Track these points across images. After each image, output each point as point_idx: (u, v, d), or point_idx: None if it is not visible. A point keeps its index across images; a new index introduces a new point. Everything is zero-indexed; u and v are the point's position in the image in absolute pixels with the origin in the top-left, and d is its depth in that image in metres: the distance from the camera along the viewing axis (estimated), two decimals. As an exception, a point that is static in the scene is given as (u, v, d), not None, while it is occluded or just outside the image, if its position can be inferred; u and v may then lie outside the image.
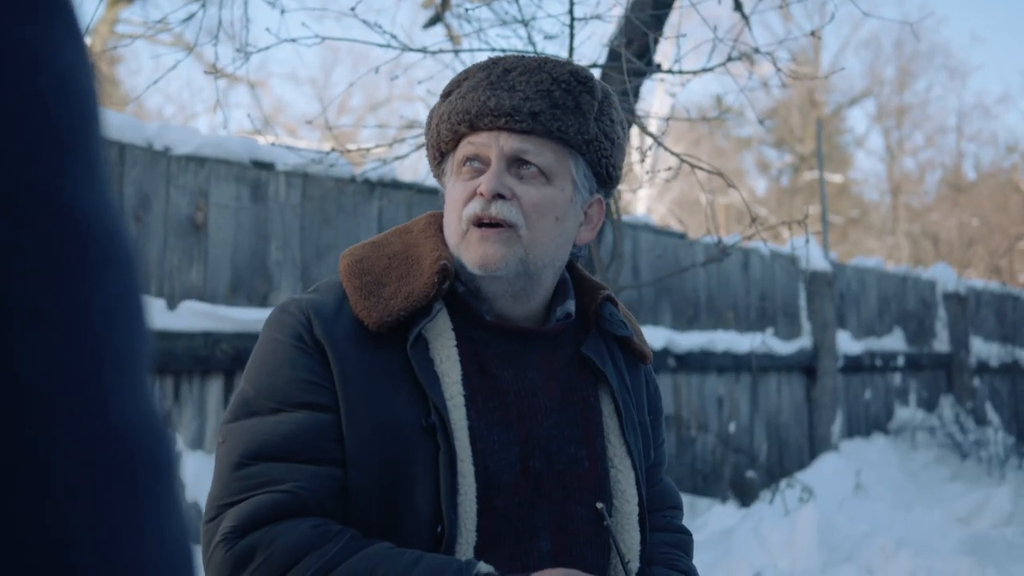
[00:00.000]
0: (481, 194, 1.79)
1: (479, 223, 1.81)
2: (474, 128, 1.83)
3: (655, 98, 13.95)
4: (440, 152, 1.93)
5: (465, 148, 1.85)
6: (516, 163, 1.82)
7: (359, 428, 1.72)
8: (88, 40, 0.56)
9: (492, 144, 1.81)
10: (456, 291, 1.87)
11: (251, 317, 4.90)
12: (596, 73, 4.80)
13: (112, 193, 0.52)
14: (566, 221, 1.87)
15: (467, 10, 4.91)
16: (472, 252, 1.81)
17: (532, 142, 1.80)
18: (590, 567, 1.83)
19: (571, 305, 1.99)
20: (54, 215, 0.48)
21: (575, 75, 1.84)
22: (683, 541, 2.11)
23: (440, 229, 1.94)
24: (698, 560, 2.25)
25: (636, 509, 1.90)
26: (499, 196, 1.79)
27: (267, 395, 1.76)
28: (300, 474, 1.69)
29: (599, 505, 1.85)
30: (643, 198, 20.67)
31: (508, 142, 1.80)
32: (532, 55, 1.90)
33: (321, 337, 1.77)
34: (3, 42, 0.47)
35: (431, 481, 1.71)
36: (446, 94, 1.93)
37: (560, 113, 1.80)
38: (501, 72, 1.84)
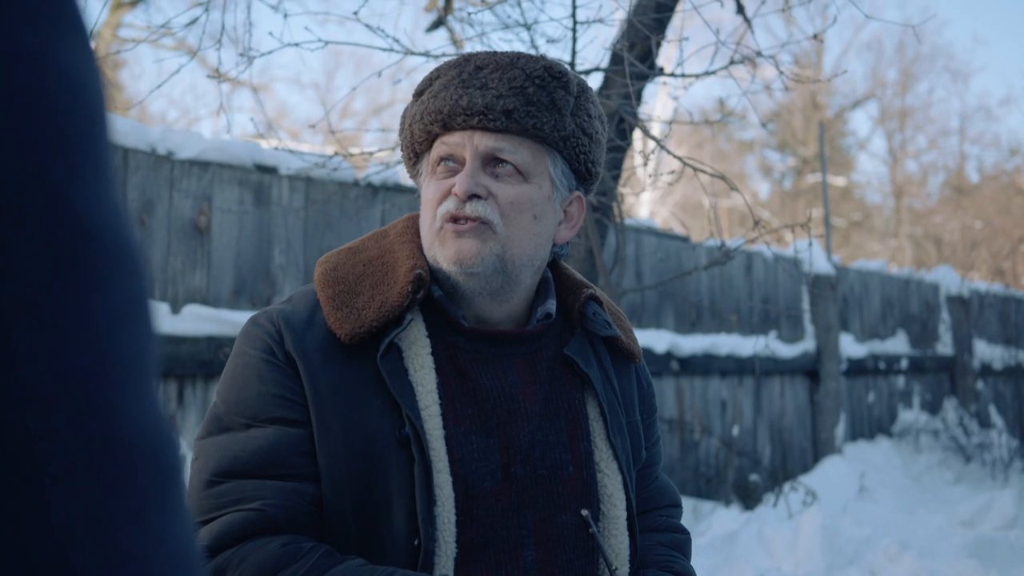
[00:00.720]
0: (456, 194, 1.75)
1: (454, 220, 1.76)
2: (447, 128, 1.78)
3: (658, 101, 13.96)
4: (415, 152, 1.89)
5: (439, 148, 1.81)
6: (491, 161, 1.77)
7: (332, 442, 1.69)
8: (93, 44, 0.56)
9: (466, 143, 1.77)
10: (432, 296, 1.83)
11: (254, 321, 4.90)
12: (599, 77, 4.81)
13: (119, 198, 0.52)
14: (544, 219, 1.83)
15: (470, 14, 4.91)
16: (447, 248, 1.77)
17: (507, 140, 1.76)
18: (576, 575, 1.80)
19: (551, 305, 1.94)
20: (61, 220, 0.48)
21: (549, 70, 1.79)
22: (679, 541, 2.06)
23: (417, 233, 1.90)
24: (701, 564, 2.24)
25: (624, 514, 1.86)
26: (474, 196, 1.75)
27: (238, 410, 1.74)
28: (271, 491, 1.67)
29: (584, 512, 1.81)
30: (646, 201, 20.66)
31: (482, 141, 1.76)
32: (505, 51, 1.84)
33: (292, 350, 1.74)
34: (10, 47, 0.47)
35: (407, 493, 1.67)
36: (418, 93, 1.88)
37: (535, 110, 1.75)
38: (473, 70, 1.79)
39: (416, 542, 1.66)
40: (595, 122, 1.87)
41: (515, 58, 1.80)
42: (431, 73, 1.87)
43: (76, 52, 0.51)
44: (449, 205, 1.77)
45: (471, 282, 1.80)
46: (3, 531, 0.44)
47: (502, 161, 1.77)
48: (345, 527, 1.69)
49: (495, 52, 1.84)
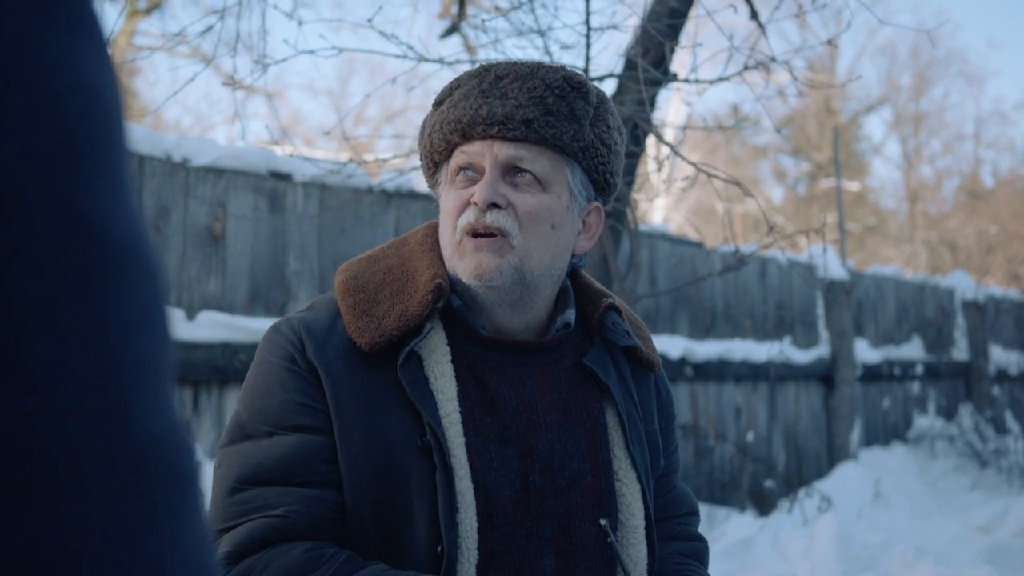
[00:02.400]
0: (475, 203, 1.75)
1: (473, 233, 1.77)
2: (467, 137, 1.79)
3: (671, 107, 13.94)
4: (434, 162, 1.89)
5: (459, 157, 1.81)
6: (511, 171, 1.77)
7: (354, 449, 1.70)
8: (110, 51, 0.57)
9: (486, 153, 1.77)
10: (452, 305, 1.83)
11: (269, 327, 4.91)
12: (613, 83, 4.81)
13: (136, 203, 0.52)
14: (563, 229, 1.83)
15: (484, 21, 4.92)
16: (467, 263, 1.77)
17: (527, 149, 1.76)
18: None
19: (570, 315, 1.94)
20: (75, 225, 0.48)
21: (568, 81, 1.79)
22: (697, 549, 2.07)
23: (437, 241, 1.90)
24: (716, 570, 2.23)
25: (643, 523, 1.86)
26: (493, 205, 1.75)
27: (260, 418, 1.74)
28: (294, 498, 1.68)
29: (603, 522, 1.81)
30: (660, 207, 20.63)
31: (502, 150, 1.76)
32: (525, 61, 1.85)
33: (313, 358, 1.74)
34: (28, 55, 0.47)
35: (429, 500, 1.68)
36: (438, 103, 1.89)
37: (554, 120, 1.76)
38: (493, 79, 1.80)
39: (439, 549, 1.66)
40: (614, 133, 1.87)
41: (535, 68, 1.80)
42: (451, 83, 1.88)
43: (93, 60, 0.51)
44: (469, 216, 1.77)
45: (491, 295, 1.80)
46: (16, 538, 0.44)
47: (521, 170, 1.77)
48: (366, 534, 1.70)
49: (515, 62, 1.84)
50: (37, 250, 0.46)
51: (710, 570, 2.09)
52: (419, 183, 5.87)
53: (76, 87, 0.50)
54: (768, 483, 8.15)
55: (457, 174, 1.82)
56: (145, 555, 0.48)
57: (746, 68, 4.55)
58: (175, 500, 0.51)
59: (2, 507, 0.44)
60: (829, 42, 4.68)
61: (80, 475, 0.46)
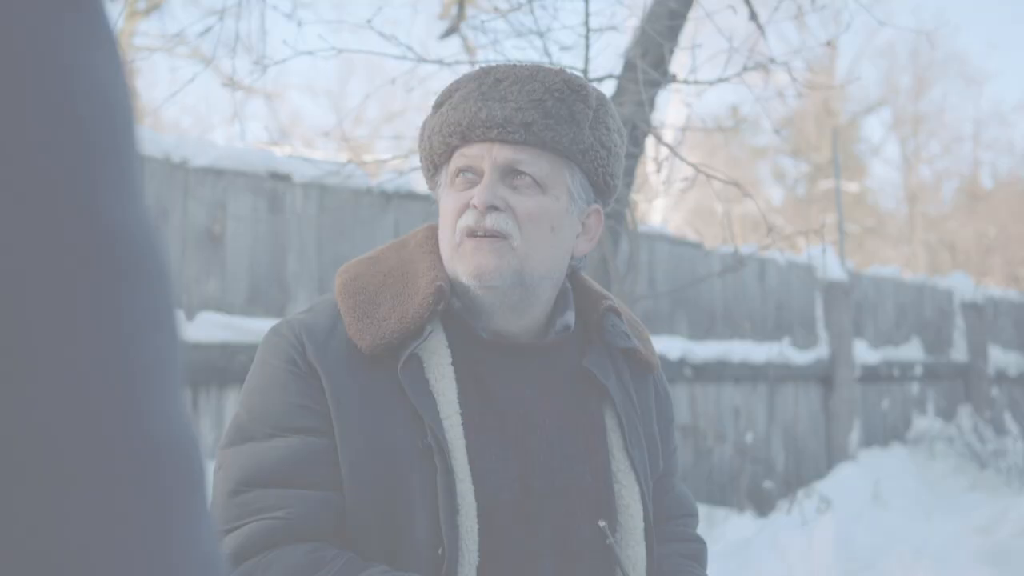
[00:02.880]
0: (474, 206, 1.75)
1: (472, 234, 1.77)
2: (466, 140, 1.79)
3: (671, 108, 13.93)
4: (433, 164, 1.89)
5: (458, 160, 1.81)
6: (510, 173, 1.77)
7: (354, 452, 1.70)
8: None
9: (485, 155, 1.77)
10: (452, 307, 1.84)
11: (268, 328, 4.91)
12: (612, 84, 4.81)
13: (146, 206, 0.53)
14: (562, 231, 1.83)
15: (483, 22, 4.92)
16: (466, 263, 1.77)
17: (526, 152, 1.76)
18: None
19: (570, 317, 1.94)
20: (87, 226, 0.48)
21: (568, 83, 1.79)
22: (696, 551, 2.07)
23: (437, 243, 1.90)
24: (715, 571, 2.23)
25: (641, 525, 1.87)
26: (493, 208, 1.75)
27: (261, 420, 1.74)
28: (295, 500, 1.68)
29: (601, 523, 1.81)
30: (659, 208, 20.62)
31: (501, 153, 1.76)
32: (525, 64, 1.85)
33: (314, 360, 1.74)
34: (40, 55, 0.48)
35: (430, 502, 1.68)
36: (438, 105, 1.89)
37: (553, 123, 1.76)
38: (492, 82, 1.80)
39: (440, 551, 1.67)
40: (613, 135, 1.87)
41: (535, 71, 1.81)
42: (451, 85, 1.88)
43: (106, 62, 0.52)
44: (468, 219, 1.77)
45: (490, 296, 1.80)
46: (25, 539, 0.45)
47: (520, 173, 1.77)
48: (367, 535, 1.70)
49: (515, 65, 1.84)
50: (49, 250, 0.47)
51: (709, 571, 2.08)
52: (418, 184, 5.87)
53: (89, 89, 0.50)
54: (767, 484, 8.15)
55: (456, 176, 1.82)
56: (155, 557, 0.48)
57: (745, 69, 4.55)
58: (185, 502, 0.51)
59: (10, 508, 0.44)
60: (828, 43, 4.69)
61: (90, 475, 0.46)
